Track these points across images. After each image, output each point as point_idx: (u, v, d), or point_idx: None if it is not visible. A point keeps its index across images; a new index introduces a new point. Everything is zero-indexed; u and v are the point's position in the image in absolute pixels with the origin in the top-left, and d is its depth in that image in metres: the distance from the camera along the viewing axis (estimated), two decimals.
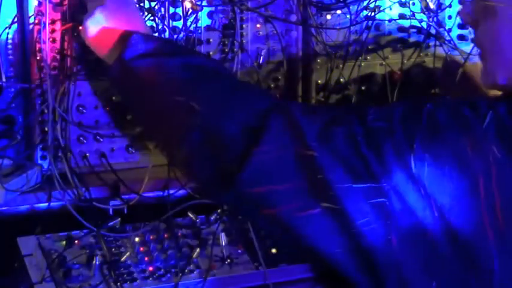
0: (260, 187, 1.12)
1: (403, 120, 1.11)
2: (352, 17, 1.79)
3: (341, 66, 1.81)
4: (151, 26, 1.62)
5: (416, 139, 1.09)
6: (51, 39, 1.55)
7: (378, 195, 1.08)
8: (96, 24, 1.40)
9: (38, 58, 1.53)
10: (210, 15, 1.69)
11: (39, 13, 1.52)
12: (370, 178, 1.09)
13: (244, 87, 1.27)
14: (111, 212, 1.58)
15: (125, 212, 1.59)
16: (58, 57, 1.56)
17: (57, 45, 1.55)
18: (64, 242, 1.57)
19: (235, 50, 1.71)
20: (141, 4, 1.61)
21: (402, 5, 1.84)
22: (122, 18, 1.40)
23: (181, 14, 1.64)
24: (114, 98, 1.60)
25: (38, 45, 1.52)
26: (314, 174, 1.10)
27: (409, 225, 1.08)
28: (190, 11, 1.64)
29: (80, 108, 1.61)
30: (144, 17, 1.60)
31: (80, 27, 1.45)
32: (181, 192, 1.65)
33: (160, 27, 1.62)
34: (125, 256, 1.55)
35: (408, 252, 1.09)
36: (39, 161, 1.58)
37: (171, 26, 1.64)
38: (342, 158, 1.10)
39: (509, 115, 1.10)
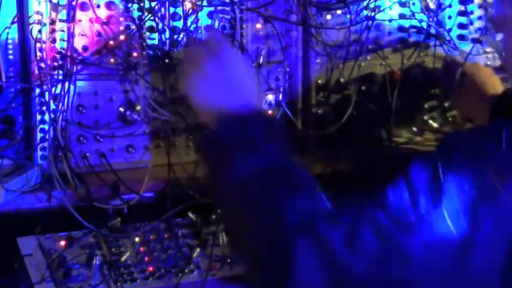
0: None
1: (425, 183, 1.09)
2: (352, 17, 1.79)
3: (341, 66, 1.81)
4: (151, 26, 1.62)
5: (442, 195, 1.08)
6: (51, 39, 1.55)
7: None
8: (198, 93, 1.34)
9: (38, 58, 1.53)
10: (210, 15, 1.69)
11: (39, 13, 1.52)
12: (404, 262, 1.08)
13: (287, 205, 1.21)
14: (111, 212, 1.58)
15: (125, 212, 1.60)
16: (58, 57, 1.56)
17: (57, 44, 1.56)
18: (64, 242, 1.57)
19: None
20: (141, 4, 1.61)
21: (402, 5, 1.84)
22: (224, 90, 1.33)
23: (181, 14, 1.64)
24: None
25: (38, 45, 1.52)
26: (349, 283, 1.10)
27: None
28: (191, 11, 1.64)
29: (80, 108, 1.61)
30: (144, 17, 1.61)
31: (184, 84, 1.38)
32: (181, 192, 1.65)
33: (160, 27, 1.63)
34: (124, 256, 1.55)
35: None
36: (39, 161, 1.58)
37: (171, 26, 1.64)
38: (375, 257, 1.09)
39: None
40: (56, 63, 1.56)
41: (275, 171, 1.23)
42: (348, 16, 1.79)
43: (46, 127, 1.57)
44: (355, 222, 1.11)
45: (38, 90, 1.55)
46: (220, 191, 1.26)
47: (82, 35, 1.58)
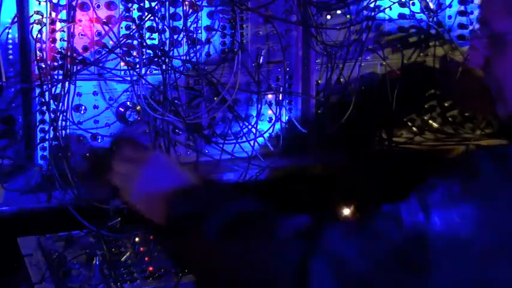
0: None
1: (439, 199, 1.12)
2: (352, 17, 1.79)
3: (341, 66, 1.81)
4: (151, 27, 1.62)
5: (459, 214, 1.10)
6: (51, 39, 1.55)
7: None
8: (143, 188, 1.38)
9: (38, 58, 1.53)
10: (210, 15, 1.69)
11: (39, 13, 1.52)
12: (422, 276, 1.09)
13: (274, 237, 1.24)
14: (111, 212, 1.58)
15: (125, 212, 1.59)
16: (58, 57, 1.56)
17: (57, 44, 1.56)
18: (64, 242, 1.57)
19: (235, 50, 1.71)
20: (141, 4, 1.61)
21: (402, 5, 1.84)
22: (165, 176, 1.39)
23: (181, 14, 1.64)
24: None
25: (38, 45, 1.52)
26: None
27: None
28: (191, 11, 1.64)
29: (80, 108, 1.61)
30: (144, 17, 1.61)
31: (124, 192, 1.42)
32: None
33: (160, 27, 1.63)
34: (124, 256, 1.55)
35: None
36: (39, 161, 1.58)
37: (171, 26, 1.64)
38: (394, 267, 1.11)
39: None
40: (56, 63, 1.56)
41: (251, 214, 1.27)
42: (348, 16, 1.79)
43: (46, 127, 1.57)
44: (367, 237, 1.13)
45: (38, 90, 1.55)
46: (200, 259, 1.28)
47: (82, 35, 1.58)
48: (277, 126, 1.79)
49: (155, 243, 1.58)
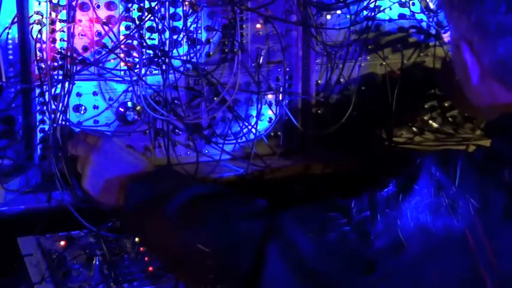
0: None
1: (384, 200, 1.16)
2: (352, 17, 1.79)
3: (341, 66, 1.81)
4: (151, 27, 1.62)
5: (400, 215, 1.14)
6: (51, 39, 1.55)
7: (377, 284, 1.13)
8: (97, 174, 1.43)
9: (38, 58, 1.53)
10: (210, 15, 1.69)
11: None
12: (367, 271, 1.13)
13: (236, 214, 1.29)
14: (111, 212, 1.58)
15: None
16: (58, 57, 1.56)
17: (57, 45, 1.56)
18: (64, 242, 1.57)
19: (235, 50, 1.71)
20: (141, 4, 1.61)
21: (402, 5, 1.84)
22: (119, 162, 1.44)
23: (181, 14, 1.64)
24: None
25: (38, 46, 1.52)
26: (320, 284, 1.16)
27: None
28: (191, 11, 1.64)
29: (80, 108, 1.61)
30: (144, 17, 1.61)
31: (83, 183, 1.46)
32: None
33: (160, 27, 1.63)
34: (124, 256, 1.55)
35: None
36: (39, 161, 1.58)
37: (171, 26, 1.64)
38: (341, 258, 1.15)
39: (482, 163, 1.16)
40: (55, 64, 1.56)
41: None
42: (348, 16, 1.79)
43: (46, 127, 1.57)
44: (322, 229, 1.17)
45: (38, 91, 1.55)
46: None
47: (82, 35, 1.58)
48: (277, 126, 1.79)
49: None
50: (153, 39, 1.64)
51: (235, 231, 1.24)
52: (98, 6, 1.59)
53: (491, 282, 1.11)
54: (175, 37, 1.64)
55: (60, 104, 1.55)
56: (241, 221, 1.25)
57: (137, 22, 1.61)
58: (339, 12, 1.80)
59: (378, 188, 1.18)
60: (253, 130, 1.75)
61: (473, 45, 1.23)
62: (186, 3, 1.63)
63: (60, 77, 1.56)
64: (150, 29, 1.63)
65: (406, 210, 1.14)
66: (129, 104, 1.65)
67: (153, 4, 1.61)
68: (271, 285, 1.17)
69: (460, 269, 1.12)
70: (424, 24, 1.86)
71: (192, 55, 1.67)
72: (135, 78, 1.61)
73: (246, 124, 1.75)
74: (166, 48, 1.63)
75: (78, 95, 1.60)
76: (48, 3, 1.53)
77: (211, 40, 1.70)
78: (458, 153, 1.18)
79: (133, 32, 1.61)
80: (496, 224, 1.11)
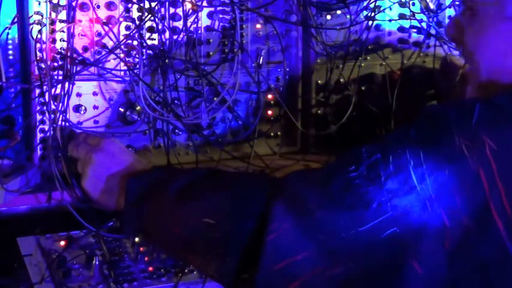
0: (280, 263, 1.15)
1: (394, 143, 1.15)
2: (352, 17, 1.79)
3: (341, 66, 1.81)
4: (151, 27, 1.62)
5: (410, 156, 1.12)
6: (51, 39, 1.55)
7: (387, 226, 1.11)
8: (98, 173, 1.45)
9: (37, 58, 1.53)
10: (210, 15, 1.69)
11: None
12: (375, 214, 1.11)
13: (239, 183, 1.31)
14: (111, 212, 1.58)
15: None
16: (58, 57, 1.56)
17: (57, 45, 1.56)
18: (64, 242, 1.57)
19: (235, 50, 1.71)
20: (141, 4, 1.61)
21: (402, 5, 1.84)
22: (120, 164, 1.45)
23: (181, 14, 1.64)
24: None
25: (38, 46, 1.52)
26: (327, 236, 1.14)
27: (427, 242, 1.11)
28: (191, 11, 1.64)
29: (80, 108, 1.61)
30: (144, 17, 1.61)
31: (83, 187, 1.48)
32: None
33: (160, 27, 1.63)
34: (124, 256, 1.55)
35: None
36: (39, 161, 1.58)
37: (171, 26, 1.64)
38: (346, 207, 1.13)
39: (496, 108, 1.13)
40: (55, 64, 1.56)
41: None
42: (348, 16, 1.79)
43: (46, 127, 1.57)
44: (327, 179, 1.16)
45: (38, 91, 1.55)
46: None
47: (82, 35, 1.58)
48: (277, 126, 1.79)
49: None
50: (153, 39, 1.64)
51: (238, 197, 1.24)
52: (98, 7, 1.59)
53: (503, 224, 1.08)
54: (175, 37, 1.64)
55: (60, 104, 1.55)
56: (244, 188, 1.25)
57: (137, 22, 1.61)
58: (339, 12, 1.80)
59: (386, 135, 1.17)
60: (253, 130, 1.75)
61: None
62: (186, 3, 1.63)
63: (60, 77, 1.56)
64: (150, 29, 1.63)
65: (419, 151, 1.12)
66: (129, 104, 1.65)
67: (153, 4, 1.61)
68: (277, 245, 1.15)
69: (472, 206, 1.09)
70: (424, 24, 1.86)
71: (192, 55, 1.67)
72: (135, 78, 1.61)
73: (246, 124, 1.75)
74: (166, 48, 1.63)
75: (78, 95, 1.61)
76: (48, 3, 1.53)
77: (211, 40, 1.70)
78: (475, 102, 1.16)
79: (133, 32, 1.61)
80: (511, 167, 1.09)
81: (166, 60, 1.63)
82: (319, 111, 1.83)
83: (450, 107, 1.17)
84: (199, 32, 1.69)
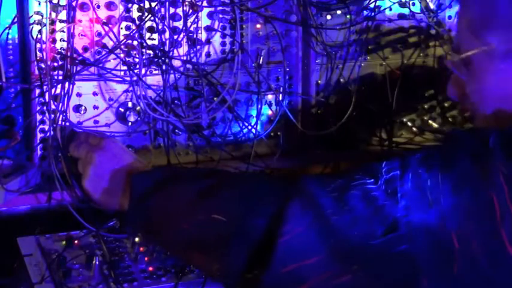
0: (290, 266, 1.16)
1: (415, 162, 1.16)
2: (352, 17, 1.79)
3: (341, 66, 1.81)
4: (151, 27, 1.62)
5: (428, 177, 1.13)
6: (51, 39, 1.55)
7: (399, 242, 1.12)
8: (99, 172, 1.44)
9: (38, 58, 1.53)
10: (210, 15, 1.69)
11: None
12: (389, 229, 1.12)
13: (253, 182, 1.30)
14: (110, 212, 1.58)
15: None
16: (58, 57, 1.56)
17: (57, 45, 1.56)
18: (64, 242, 1.57)
19: (235, 50, 1.71)
20: (141, 4, 1.61)
21: (402, 5, 1.84)
22: (121, 164, 1.45)
23: (181, 14, 1.64)
24: None
25: (38, 46, 1.52)
26: (339, 242, 1.14)
27: (437, 263, 1.11)
28: (191, 11, 1.64)
29: (80, 108, 1.61)
30: (144, 17, 1.61)
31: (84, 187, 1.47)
32: None
33: (160, 27, 1.63)
34: (124, 256, 1.55)
35: None
36: (39, 161, 1.58)
37: (171, 26, 1.64)
38: (361, 218, 1.14)
39: (510, 137, 1.14)
40: (56, 64, 1.56)
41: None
42: (348, 16, 1.79)
43: (46, 127, 1.57)
44: (345, 187, 1.17)
45: (38, 91, 1.55)
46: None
47: (82, 35, 1.58)
48: (277, 126, 1.79)
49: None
50: (153, 39, 1.64)
51: (251, 196, 1.23)
52: (98, 7, 1.59)
53: None
54: (175, 37, 1.64)
55: (60, 104, 1.55)
56: (257, 187, 1.24)
57: (137, 22, 1.61)
58: (339, 12, 1.80)
59: (411, 153, 1.18)
60: (253, 130, 1.75)
61: None
62: (186, 3, 1.63)
63: (60, 77, 1.56)
64: (150, 29, 1.63)
65: (437, 173, 1.13)
66: (129, 104, 1.65)
67: (153, 4, 1.61)
68: (289, 247, 1.15)
69: (483, 235, 1.10)
70: (424, 24, 1.86)
71: (192, 55, 1.67)
72: (135, 78, 1.61)
73: (246, 124, 1.75)
74: (166, 49, 1.63)
75: (78, 95, 1.61)
76: (48, 3, 1.53)
77: (211, 40, 1.70)
78: (490, 131, 1.17)
79: (134, 32, 1.61)
80: None
81: (166, 60, 1.63)
82: (319, 111, 1.83)
83: (469, 134, 1.20)
84: (199, 32, 1.69)
